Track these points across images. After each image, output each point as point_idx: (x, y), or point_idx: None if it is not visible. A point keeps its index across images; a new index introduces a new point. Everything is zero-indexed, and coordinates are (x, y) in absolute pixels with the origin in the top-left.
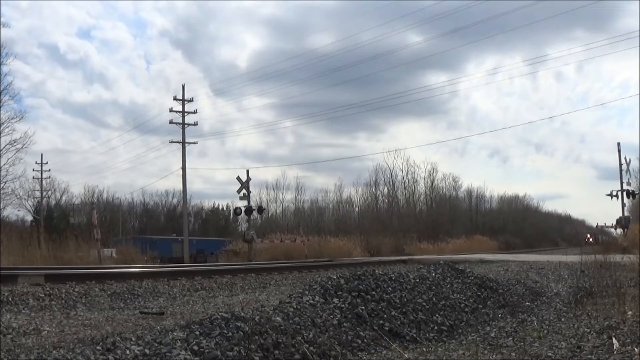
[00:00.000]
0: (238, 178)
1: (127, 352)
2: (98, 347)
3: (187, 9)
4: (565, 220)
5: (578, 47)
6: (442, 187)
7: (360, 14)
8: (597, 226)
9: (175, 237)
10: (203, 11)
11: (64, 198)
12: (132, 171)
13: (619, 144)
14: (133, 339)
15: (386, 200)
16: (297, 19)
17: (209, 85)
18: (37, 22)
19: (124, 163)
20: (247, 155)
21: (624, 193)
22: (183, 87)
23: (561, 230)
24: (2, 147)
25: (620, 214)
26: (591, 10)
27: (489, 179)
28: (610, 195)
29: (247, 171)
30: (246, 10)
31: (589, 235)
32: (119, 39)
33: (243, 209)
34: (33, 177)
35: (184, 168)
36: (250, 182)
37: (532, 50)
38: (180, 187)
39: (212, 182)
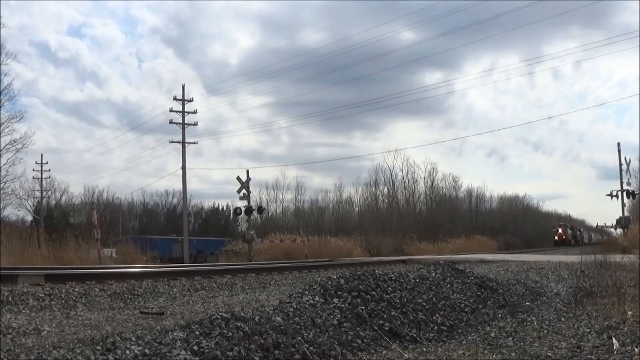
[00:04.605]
0: (238, 178)
1: (127, 352)
2: (98, 347)
3: (177, 6)
4: (565, 220)
5: (575, 44)
6: (442, 187)
7: (353, 11)
8: (597, 226)
9: (175, 237)
10: (193, 8)
11: (63, 198)
12: (128, 171)
13: (619, 144)
14: (133, 339)
15: (386, 200)
16: (288, 15)
17: (202, 84)
18: (27, 20)
19: (120, 162)
20: (242, 155)
21: (624, 193)
22: (183, 87)
23: None
24: (2, 147)
25: (620, 214)
26: (587, 7)
27: (487, 178)
28: (610, 195)
29: (247, 171)
30: (236, 7)
31: (560, 230)
32: (109, 37)
33: (243, 209)
34: (33, 177)
35: (184, 168)
36: (249, 182)
37: (529, 48)
38: (179, 186)
39: (209, 181)
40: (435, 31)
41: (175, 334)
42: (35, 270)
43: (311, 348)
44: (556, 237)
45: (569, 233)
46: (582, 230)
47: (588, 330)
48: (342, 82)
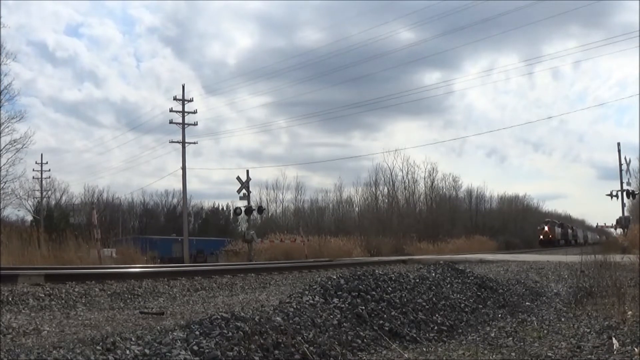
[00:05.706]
0: (238, 178)
1: (127, 352)
2: (98, 347)
3: (175, 5)
4: (565, 220)
5: (575, 44)
6: (442, 187)
7: (352, 11)
8: (597, 226)
9: (175, 237)
10: (191, 8)
11: (63, 198)
12: (128, 171)
13: (619, 144)
14: (133, 339)
15: (386, 200)
16: (287, 15)
17: (201, 84)
18: (25, 20)
19: (119, 162)
20: (242, 155)
21: (624, 193)
22: (183, 87)
23: None
24: (2, 147)
25: (620, 214)
26: (587, 7)
27: (487, 178)
28: (610, 195)
29: (247, 171)
30: (234, 7)
31: (546, 228)
32: (107, 37)
33: (243, 209)
34: (33, 177)
35: (184, 168)
36: (249, 182)
37: (528, 48)
38: (179, 186)
39: (208, 181)
40: (434, 31)
41: (175, 334)
42: (35, 270)
43: (311, 348)
44: (541, 236)
45: (558, 232)
46: (574, 228)
47: (588, 330)
48: (341, 82)
